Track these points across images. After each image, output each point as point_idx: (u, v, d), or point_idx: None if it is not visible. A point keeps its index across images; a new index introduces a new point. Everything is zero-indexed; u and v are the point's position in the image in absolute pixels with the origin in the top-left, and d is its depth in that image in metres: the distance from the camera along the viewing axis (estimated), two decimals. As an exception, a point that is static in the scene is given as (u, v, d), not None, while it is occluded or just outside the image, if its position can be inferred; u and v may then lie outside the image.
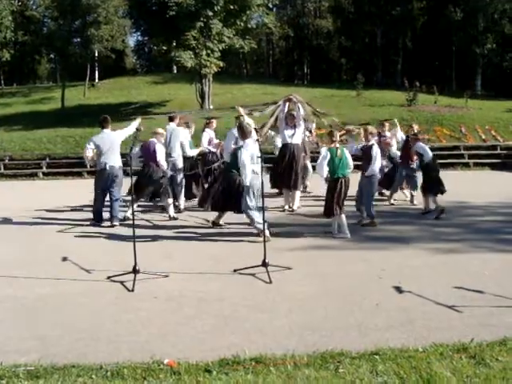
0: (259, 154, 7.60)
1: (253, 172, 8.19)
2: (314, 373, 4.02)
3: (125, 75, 46.06)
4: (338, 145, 8.75)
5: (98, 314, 5.47)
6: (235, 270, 6.79)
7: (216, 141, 12.13)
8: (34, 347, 4.64)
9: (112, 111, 25.67)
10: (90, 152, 9.96)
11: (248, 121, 8.98)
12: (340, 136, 9.83)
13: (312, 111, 11.42)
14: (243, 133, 8.45)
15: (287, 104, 10.99)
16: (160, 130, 10.49)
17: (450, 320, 5.09)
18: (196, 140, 12.50)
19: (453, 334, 4.69)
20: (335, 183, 8.61)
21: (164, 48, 25.85)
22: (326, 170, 8.56)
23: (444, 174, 10.73)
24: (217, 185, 9.38)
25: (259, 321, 5.21)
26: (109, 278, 6.60)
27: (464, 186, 11.96)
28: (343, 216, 8.68)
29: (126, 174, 10.35)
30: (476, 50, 35.39)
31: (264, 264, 6.63)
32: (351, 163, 8.83)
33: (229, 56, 32.35)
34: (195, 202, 11.32)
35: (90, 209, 10.23)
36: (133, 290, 6.15)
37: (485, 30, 35.57)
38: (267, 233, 8.04)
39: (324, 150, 8.70)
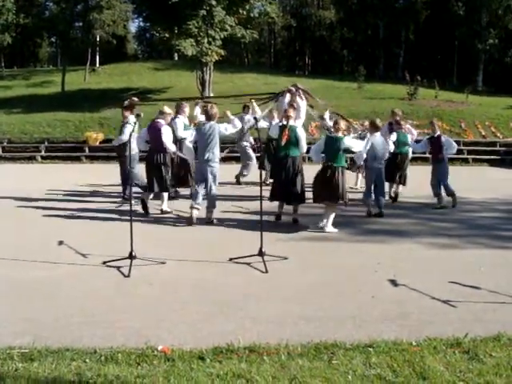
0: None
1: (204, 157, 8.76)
2: (308, 363, 4.03)
3: (125, 61, 45.91)
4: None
5: (93, 299, 5.48)
6: (231, 259, 6.80)
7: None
8: (28, 330, 4.64)
9: (113, 96, 25.63)
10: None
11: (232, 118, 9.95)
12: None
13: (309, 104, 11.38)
14: (206, 115, 9.14)
15: (288, 95, 10.95)
16: (167, 110, 9.77)
17: (444, 314, 5.11)
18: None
19: (447, 329, 4.70)
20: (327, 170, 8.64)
21: (166, 35, 25.73)
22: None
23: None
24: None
25: (254, 309, 5.22)
26: (105, 263, 6.60)
27: (462, 182, 11.96)
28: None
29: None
30: (478, 46, 35.31)
31: (260, 253, 6.65)
32: None
33: (230, 45, 32.20)
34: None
35: (89, 193, 10.21)
36: (128, 276, 6.16)
37: (488, 25, 35.49)
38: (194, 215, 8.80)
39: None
